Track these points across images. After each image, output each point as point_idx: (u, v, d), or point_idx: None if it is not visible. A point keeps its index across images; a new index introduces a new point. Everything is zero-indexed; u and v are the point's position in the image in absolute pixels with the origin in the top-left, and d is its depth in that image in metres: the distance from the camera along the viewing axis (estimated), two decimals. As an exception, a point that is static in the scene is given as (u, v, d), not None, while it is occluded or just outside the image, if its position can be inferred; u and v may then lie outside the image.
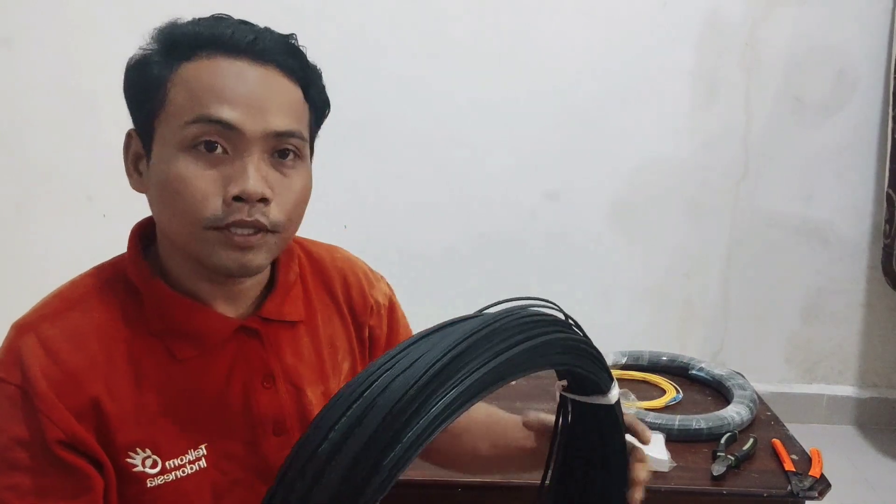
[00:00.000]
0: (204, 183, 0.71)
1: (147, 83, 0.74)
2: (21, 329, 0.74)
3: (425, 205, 2.47)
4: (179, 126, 0.71)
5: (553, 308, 0.69)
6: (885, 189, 2.35)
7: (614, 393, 0.76)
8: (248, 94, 0.72)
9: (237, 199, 0.71)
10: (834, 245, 2.47)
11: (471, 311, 0.75)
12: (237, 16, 0.78)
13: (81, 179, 2.48)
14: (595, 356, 0.71)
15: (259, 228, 0.73)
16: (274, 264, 0.86)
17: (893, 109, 2.30)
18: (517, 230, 2.48)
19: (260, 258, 0.75)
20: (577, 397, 0.77)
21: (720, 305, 2.53)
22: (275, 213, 0.74)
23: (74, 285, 0.79)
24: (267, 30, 0.76)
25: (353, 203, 2.39)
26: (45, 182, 2.49)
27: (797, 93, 2.38)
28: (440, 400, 0.53)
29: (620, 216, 2.48)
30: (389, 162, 2.34)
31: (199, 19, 0.76)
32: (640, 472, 0.81)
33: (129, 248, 0.81)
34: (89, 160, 2.46)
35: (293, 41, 0.78)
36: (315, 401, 0.86)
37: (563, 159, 2.44)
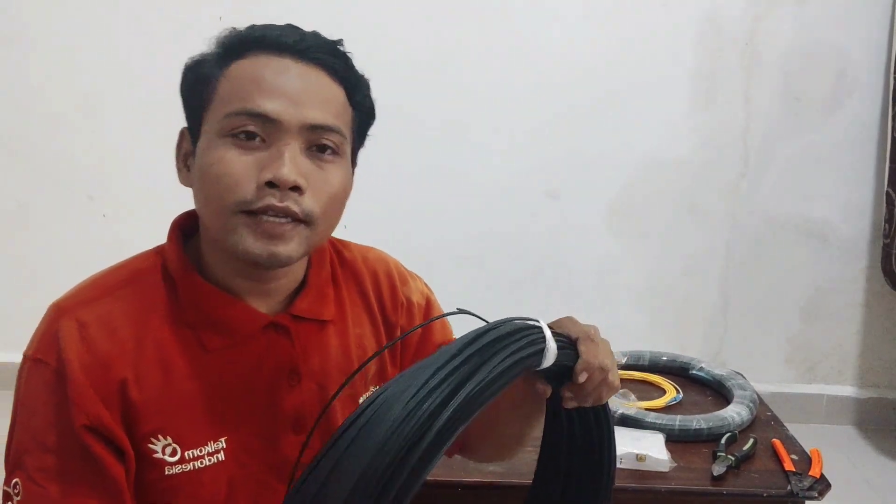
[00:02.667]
0: (239, 167, 0.73)
1: (199, 81, 0.78)
2: (60, 311, 0.76)
3: (425, 204, 2.47)
4: (223, 116, 0.75)
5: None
6: (885, 188, 2.35)
7: (550, 353, 0.75)
8: (288, 87, 0.75)
9: (270, 184, 0.72)
10: (833, 245, 2.47)
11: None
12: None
13: (81, 179, 2.48)
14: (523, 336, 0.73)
15: (290, 217, 0.74)
16: (307, 263, 0.87)
17: (893, 109, 2.30)
18: (517, 230, 2.48)
19: (290, 248, 0.75)
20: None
21: (720, 305, 2.53)
22: (308, 203, 0.75)
23: (115, 271, 0.81)
24: (314, 33, 0.80)
25: (353, 202, 2.39)
26: (45, 182, 2.49)
27: (797, 92, 2.38)
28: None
29: (620, 216, 2.48)
30: (389, 161, 2.33)
31: (255, 25, 0.80)
32: (579, 377, 0.78)
33: (168, 238, 0.83)
34: (89, 160, 2.47)
35: (339, 45, 0.81)
36: (339, 402, 0.85)
37: (563, 159, 2.44)
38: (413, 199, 2.46)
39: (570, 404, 0.82)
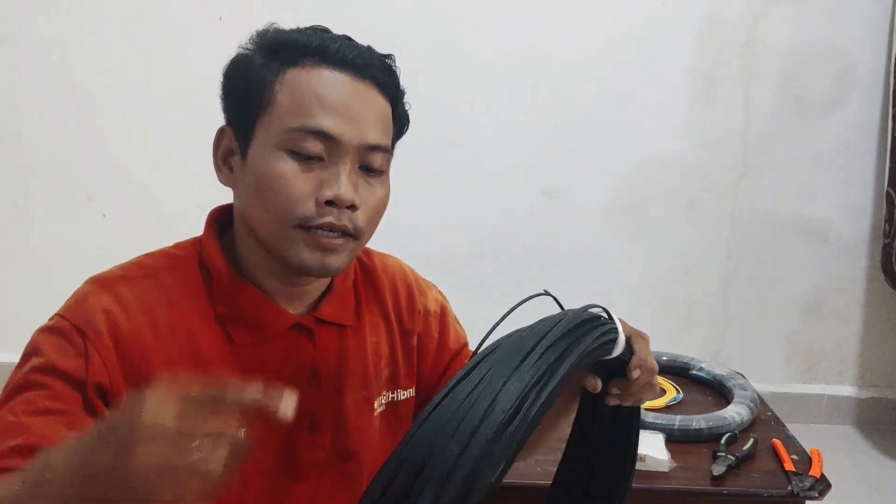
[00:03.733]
0: (299, 183, 0.75)
1: (251, 83, 0.78)
2: (98, 283, 0.78)
3: (425, 204, 2.46)
4: (284, 130, 0.76)
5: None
6: (885, 188, 2.35)
7: (619, 344, 0.77)
8: (349, 106, 0.77)
9: (329, 203, 0.75)
10: (833, 244, 2.47)
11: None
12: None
13: (81, 179, 2.48)
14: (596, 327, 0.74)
15: (344, 233, 0.77)
16: None
17: (893, 108, 2.30)
18: (516, 229, 2.48)
19: (340, 261, 0.78)
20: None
21: (720, 305, 2.53)
22: (360, 219, 0.78)
23: (153, 257, 0.83)
24: (369, 48, 0.82)
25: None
26: (45, 182, 2.49)
27: (797, 92, 2.38)
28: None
29: (620, 215, 2.48)
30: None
31: (303, 28, 0.81)
32: (633, 373, 0.81)
33: (205, 232, 0.84)
34: (89, 160, 2.46)
35: (390, 61, 0.84)
36: (353, 406, 0.87)
37: (563, 159, 2.44)
38: (413, 198, 2.45)
39: (613, 401, 0.84)
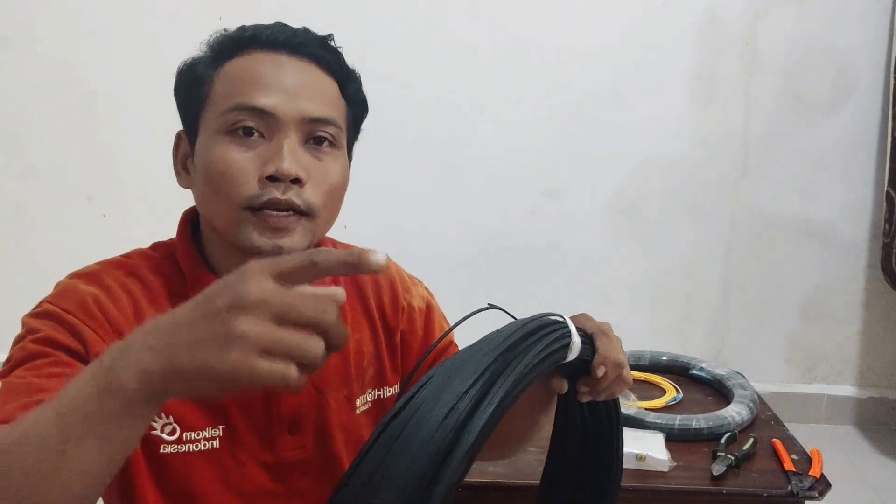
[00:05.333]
0: (241, 163, 0.75)
1: (193, 82, 0.79)
2: (81, 276, 0.78)
3: (425, 204, 2.47)
4: (220, 113, 0.76)
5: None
6: (885, 188, 2.35)
7: (574, 347, 0.77)
8: (283, 81, 0.76)
9: (272, 178, 0.74)
10: (833, 244, 2.47)
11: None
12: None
13: (81, 179, 2.48)
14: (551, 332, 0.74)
15: (293, 210, 0.75)
16: None
17: (893, 108, 2.30)
18: (516, 230, 2.48)
19: (294, 241, 0.76)
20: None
21: (720, 305, 2.53)
22: (309, 194, 0.76)
23: (130, 257, 0.82)
24: (304, 29, 0.81)
25: (353, 202, 2.39)
26: (45, 182, 2.49)
27: (797, 92, 2.38)
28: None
29: (620, 215, 2.48)
30: (389, 161, 2.34)
31: (245, 25, 0.81)
32: (598, 370, 0.80)
33: (178, 232, 0.84)
34: (89, 160, 2.46)
35: (330, 40, 0.82)
36: (335, 405, 0.86)
37: (563, 159, 2.44)
38: (412, 198, 2.45)
39: (585, 398, 0.84)
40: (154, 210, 2.41)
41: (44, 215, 2.51)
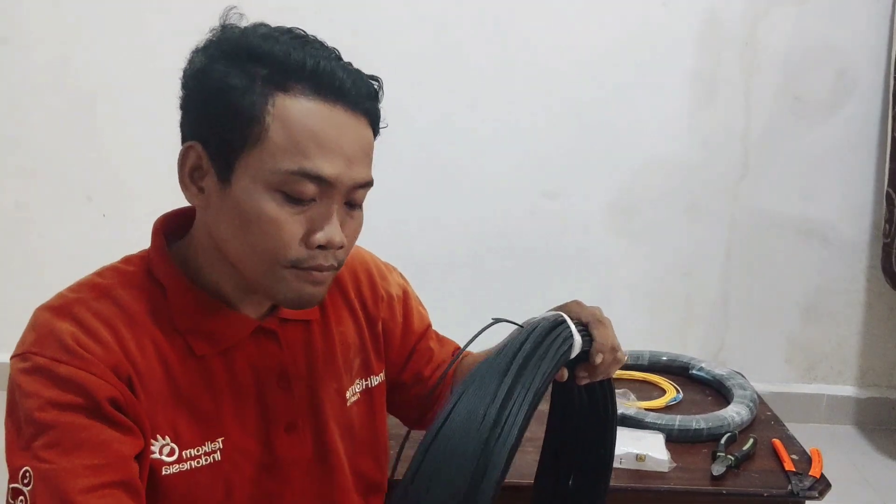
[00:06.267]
0: (290, 226, 0.73)
1: (235, 109, 0.71)
2: (53, 311, 0.74)
3: (425, 204, 2.47)
4: (277, 171, 0.71)
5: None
6: (885, 188, 2.35)
7: (576, 345, 0.82)
8: (343, 146, 0.73)
9: (321, 246, 0.74)
10: (834, 245, 2.47)
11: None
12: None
13: (81, 179, 2.48)
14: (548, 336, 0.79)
15: (334, 269, 0.77)
16: None
17: (893, 109, 2.30)
18: (516, 230, 2.48)
19: (324, 290, 0.78)
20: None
21: (720, 305, 2.53)
22: (343, 253, 0.78)
23: (103, 275, 0.79)
24: (358, 72, 0.77)
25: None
26: (45, 182, 2.49)
27: (797, 92, 2.38)
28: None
29: (620, 216, 2.48)
30: (388, 161, 2.33)
31: (281, 36, 0.74)
32: (596, 357, 0.84)
33: (153, 242, 0.81)
34: (89, 160, 2.47)
35: (378, 87, 0.79)
36: (327, 399, 0.87)
37: (563, 159, 2.44)
38: (410, 198, 2.45)
39: (584, 382, 0.88)
40: (154, 210, 2.40)
41: (44, 215, 2.51)
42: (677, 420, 1.38)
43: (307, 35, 0.77)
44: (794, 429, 1.45)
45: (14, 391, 0.71)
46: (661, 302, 2.53)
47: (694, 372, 1.66)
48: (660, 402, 1.50)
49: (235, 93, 0.71)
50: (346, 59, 0.78)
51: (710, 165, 2.44)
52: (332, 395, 0.88)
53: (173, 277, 0.79)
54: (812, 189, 2.44)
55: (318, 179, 0.72)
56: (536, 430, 0.96)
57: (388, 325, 0.97)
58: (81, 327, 0.72)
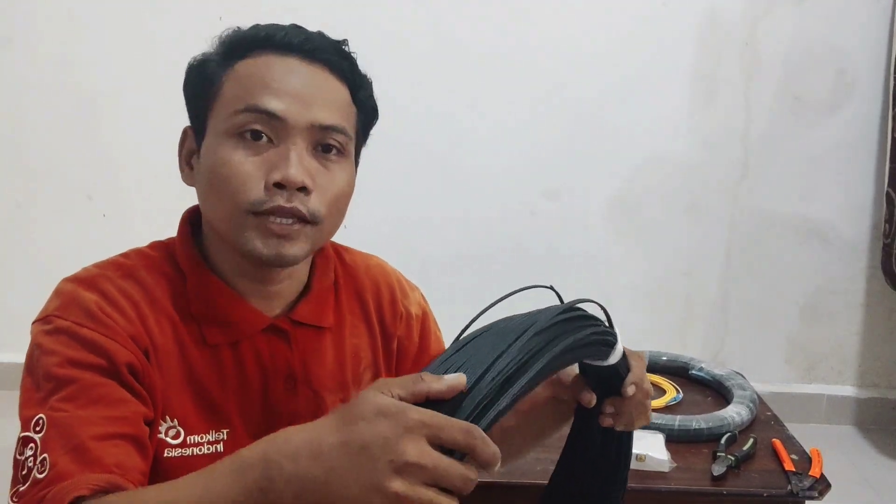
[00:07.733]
0: (247, 167, 0.74)
1: (204, 80, 0.78)
2: (78, 282, 0.76)
3: (425, 204, 2.47)
4: (229, 115, 0.75)
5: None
6: (885, 188, 2.35)
7: (617, 351, 0.75)
8: (295, 87, 0.75)
9: (278, 185, 0.73)
10: (833, 245, 2.47)
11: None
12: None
13: (81, 179, 2.48)
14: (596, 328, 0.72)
15: (298, 217, 0.75)
16: (311, 268, 0.88)
17: (893, 109, 2.30)
18: (516, 230, 2.48)
19: (296, 248, 0.76)
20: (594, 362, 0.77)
21: (720, 305, 2.53)
22: (314, 203, 0.76)
23: (129, 257, 0.81)
24: (319, 33, 0.80)
25: (353, 202, 2.39)
26: (45, 182, 2.49)
27: (797, 92, 2.38)
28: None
29: (620, 216, 2.48)
30: (389, 161, 2.33)
31: (259, 25, 0.80)
32: (628, 389, 0.78)
33: (179, 231, 0.83)
34: (89, 160, 2.47)
35: (344, 46, 0.81)
36: (331, 407, 0.86)
37: (563, 159, 2.44)
38: (410, 198, 2.46)
39: (606, 422, 0.81)
40: (154, 210, 2.41)
41: (44, 215, 2.51)
42: (677, 420, 1.38)
43: (300, 26, 0.80)
44: (794, 429, 1.45)
45: (34, 351, 0.73)
46: (660, 302, 2.53)
47: (694, 372, 1.66)
48: (660, 403, 1.51)
49: (207, 69, 0.78)
50: (361, 63, 0.82)
51: (710, 165, 2.44)
52: (336, 405, 0.86)
53: (194, 265, 0.81)
54: (812, 189, 2.44)
55: (266, 114, 0.74)
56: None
57: (403, 342, 0.95)
58: (105, 298, 0.74)
